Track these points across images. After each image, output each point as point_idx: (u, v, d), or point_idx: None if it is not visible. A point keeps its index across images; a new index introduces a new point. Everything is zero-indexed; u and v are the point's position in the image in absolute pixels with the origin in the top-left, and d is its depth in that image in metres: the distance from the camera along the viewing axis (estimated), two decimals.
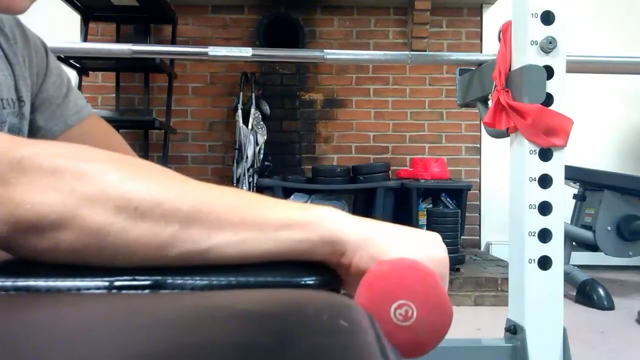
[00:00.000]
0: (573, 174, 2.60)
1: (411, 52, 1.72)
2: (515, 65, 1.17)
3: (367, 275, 0.37)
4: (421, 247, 0.41)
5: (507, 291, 1.22)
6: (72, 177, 0.33)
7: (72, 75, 3.04)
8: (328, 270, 0.39)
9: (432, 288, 0.37)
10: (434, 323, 0.37)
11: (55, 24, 3.06)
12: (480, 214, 3.42)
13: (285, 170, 3.32)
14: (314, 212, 0.39)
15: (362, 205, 3.05)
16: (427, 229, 0.45)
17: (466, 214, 3.02)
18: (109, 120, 0.82)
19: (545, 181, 1.13)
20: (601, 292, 2.38)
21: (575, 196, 2.75)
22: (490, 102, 1.24)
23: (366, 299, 0.36)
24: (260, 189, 2.93)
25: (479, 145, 3.43)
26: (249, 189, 3.01)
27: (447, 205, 2.89)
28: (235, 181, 3.04)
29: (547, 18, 1.11)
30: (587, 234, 2.56)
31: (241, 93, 3.12)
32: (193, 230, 0.35)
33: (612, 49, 3.26)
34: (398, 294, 0.36)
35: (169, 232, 0.34)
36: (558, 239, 1.13)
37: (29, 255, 0.34)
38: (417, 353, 0.37)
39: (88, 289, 0.33)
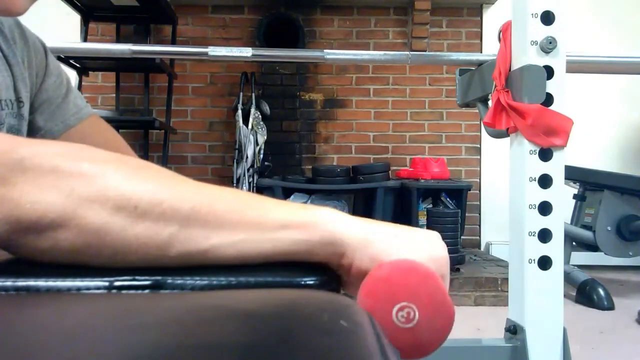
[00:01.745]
0: (573, 174, 2.60)
1: (411, 52, 1.72)
2: (515, 65, 1.17)
3: (368, 279, 0.37)
4: (421, 246, 0.41)
5: (507, 291, 1.22)
6: (71, 176, 0.33)
7: (72, 75, 3.04)
8: (328, 271, 0.39)
9: (433, 289, 0.37)
10: (436, 324, 0.37)
11: (55, 24, 3.06)
12: (480, 214, 3.42)
13: (285, 170, 3.31)
14: (313, 212, 0.39)
15: (362, 205, 3.05)
16: (428, 229, 0.45)
17: (466, 214, 3.02)
18: (109, 120, 0.82)
19: (545, 181, 1.13)
20: (601, 292, 2.37)
21: (575, 196, 2.75)
22: (490, 102, 1.24)
23: (368, 302, 0.36)
24: (260, 189, 2.93)
25: (479, 145, 3.43)
26: (249, 189, 3.01)
27: (447, 205, 2.89)
28: (235, 181, 3.04)
29: (547, 18, 1.11)
30: (587, 234, 2.56)
31: (241, 93, 3.12)
32: (192, 230, 0.35)
33: (611, 49, 3.27)
34: (399, 297, 0.36)
35: (168, 231, 0.34)
36: (558, 239, 1.13)
37: (28, 254, 0.34)
38: (419, 354, 0.37)
39: (88, 289, 0.33)
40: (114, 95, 3.30)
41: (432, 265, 0.39)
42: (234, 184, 3.03)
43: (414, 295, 0.36)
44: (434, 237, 0.43)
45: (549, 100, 1.13)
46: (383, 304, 0.36)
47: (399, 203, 2.96)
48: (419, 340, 0.36)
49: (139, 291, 0.33)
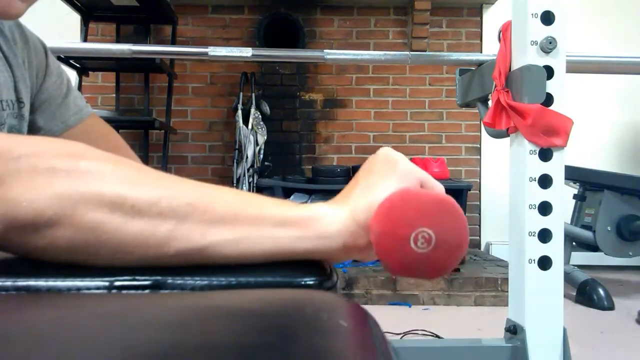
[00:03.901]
0: (573, 174, 2.60)
1: (411, 52, 1.72)
2: (515, 65, 1.17)
3: (381, 208, 0.38)
4: (402, 178, 0.41)
5: (507, 291, 1.22)
6: (68, 175, 0.33)
7: (72, 75, 3.04)
8: (328, 270, 0.39)
9: (449, 212, 0.38)
10: (452, 245, 0.38)
11: (55, 24, 3.06)
12: (480, 214, 3.42)
13: (285, 170, 3.31)
14: (310, 209, 0.39)
15: None
16: None
17: (466, 214, 3.02)
18: (109, 120, 0.82)
19: (545, 181, 1.13)
20: (601, 292, 2.37)
21: (575, 196, 2.75)
22: (490, 102, 1.24)
23: (384, 230, 0.37)
24: (260, 189, 2.93)
25: (479, 145, 3.43)
26: (249, 189, 3.01)
27: None
28: (235, 181, 3.04)
29: (547, 18, 1.11)
30: (587, 234, 2.56)
31: (241, 93, 3.12)
32: (190, 227, 0.35)
33: (610, 49, 3.27)
34: (417, 222, 0.37)
35: (165, 229, 0.34)
36: (558, 239, 1.13)
37: (26, 253, 0.34)
38: (436, 276, 0.38)
39: (88, 289, 0.33)
40: (114, 95, 3.30)
41: (416, 181, 0.41)
42: (234, 184, 3.03)
43: (431, 220, 0.37)
44: (393, 160, 0.43)
45: (549, 100, 1.13)
46: (401, 230, 0.37)
47: None
48: (436, 262, 0.37)
49: (139, 291, 0.33)
